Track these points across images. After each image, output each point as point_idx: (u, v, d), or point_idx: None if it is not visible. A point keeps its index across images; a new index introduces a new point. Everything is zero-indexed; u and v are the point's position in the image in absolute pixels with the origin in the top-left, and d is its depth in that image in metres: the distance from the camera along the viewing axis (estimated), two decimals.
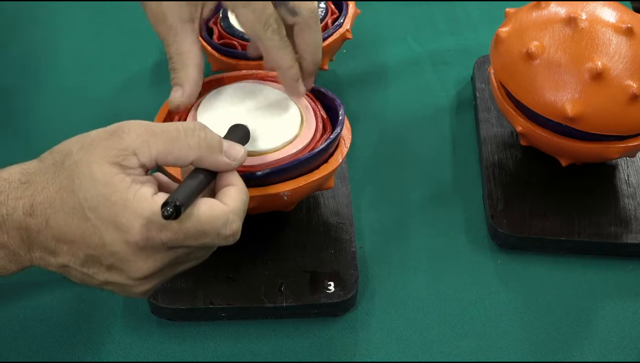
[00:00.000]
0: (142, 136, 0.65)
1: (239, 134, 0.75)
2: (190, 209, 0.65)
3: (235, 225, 0.67)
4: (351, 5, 0.98)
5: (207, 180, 0.68)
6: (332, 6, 0.99)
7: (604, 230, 0.87)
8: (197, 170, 0.68)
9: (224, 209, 0.66)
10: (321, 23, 0.96)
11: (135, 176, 0.65)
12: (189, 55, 0.80)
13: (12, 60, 1.04)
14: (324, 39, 0.94)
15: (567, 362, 0.80)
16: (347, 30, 0.96)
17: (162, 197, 0.65)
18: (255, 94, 0.84)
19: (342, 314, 0.82)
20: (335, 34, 0.95)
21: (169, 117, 0.83)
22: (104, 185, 0.64)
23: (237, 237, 0.67)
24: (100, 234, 0.64)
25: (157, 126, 0.67)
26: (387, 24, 1.10)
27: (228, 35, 0.96)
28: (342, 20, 0.96)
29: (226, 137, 0.73)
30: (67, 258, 0.66)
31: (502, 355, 0.80)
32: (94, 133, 0.66)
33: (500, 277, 0.86)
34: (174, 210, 0.63)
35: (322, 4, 0.98)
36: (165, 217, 0.63)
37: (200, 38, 0.96)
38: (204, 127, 0.68)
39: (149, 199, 0.64)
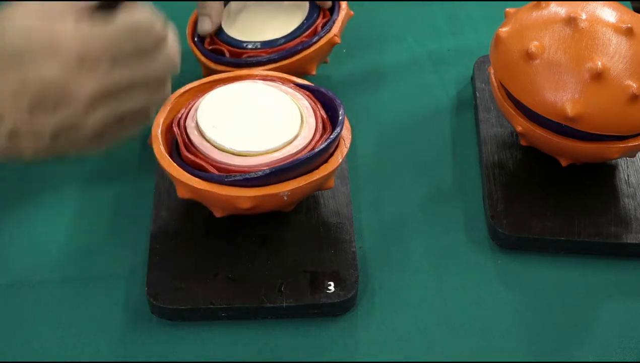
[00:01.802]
0: None
1: None
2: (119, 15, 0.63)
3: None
4: (343, 5, 0.96)
5: None
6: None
7: (604, 230, 0.87)
8: None
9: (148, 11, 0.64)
10: (311, 27, 0.94)
11: None
12: None
13: None
14: (311, 45, 0.93)
15: (567, 362, 0.80)
16: (335, 35, 0.93)
17: None
18: (255, 94, 0.84)
19: (342, 314, 0.82)
20: (322, 40, 0.93)
21: (169, 117, 0.83)
22: (23, 18, 0.62)
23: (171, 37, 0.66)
24: (36, 70, 0.62)
25: None
26: (387, 24, 1.10)
27: (218, 41, 0.95)
28: (331, 25, 0.94)
29: None
30: (12, 117, 0.63)
31: (502, 355, 0.80)
32: None
33: (500, 277, 0.86)
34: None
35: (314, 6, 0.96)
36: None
37: (191, 43, 0.96)
38: None
39: (75, 3, 0.63)
